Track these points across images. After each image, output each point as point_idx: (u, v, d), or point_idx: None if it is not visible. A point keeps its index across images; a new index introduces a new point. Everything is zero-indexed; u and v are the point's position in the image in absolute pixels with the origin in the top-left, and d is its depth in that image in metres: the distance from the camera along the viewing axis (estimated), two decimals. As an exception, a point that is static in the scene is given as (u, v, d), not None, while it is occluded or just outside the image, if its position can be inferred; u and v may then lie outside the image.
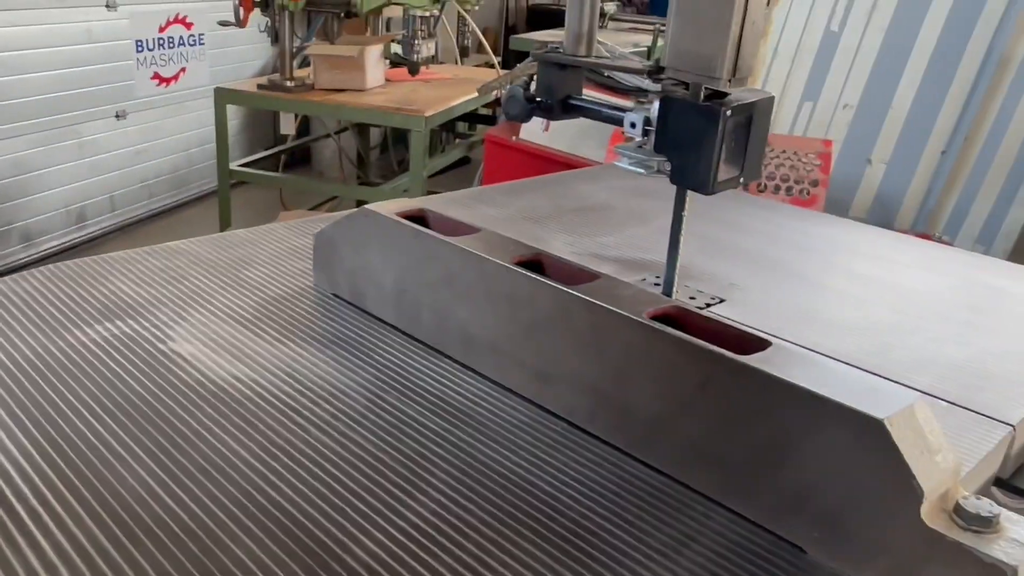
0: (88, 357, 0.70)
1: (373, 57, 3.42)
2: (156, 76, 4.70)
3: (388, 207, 0.79)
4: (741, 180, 0.88)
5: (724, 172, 0.85)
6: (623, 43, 4.00)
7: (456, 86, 3.57)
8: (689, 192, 0.87)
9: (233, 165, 3.55)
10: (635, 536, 0.54)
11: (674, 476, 0.59)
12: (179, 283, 0.86)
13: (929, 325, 0.91)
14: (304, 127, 4.75)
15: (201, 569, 0.48)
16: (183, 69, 4.82)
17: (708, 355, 0.56)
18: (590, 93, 2.41)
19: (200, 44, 4.85)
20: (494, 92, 3.25)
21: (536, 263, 0.70)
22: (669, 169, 0.86)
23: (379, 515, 0.54)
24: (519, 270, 0.67)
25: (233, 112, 4.82)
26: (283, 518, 0.53)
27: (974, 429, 0.69)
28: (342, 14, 3.42)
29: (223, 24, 3.53)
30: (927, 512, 0.48)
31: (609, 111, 0.96)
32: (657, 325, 0.58)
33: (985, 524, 0.47)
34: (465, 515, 0.55)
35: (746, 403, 0.54)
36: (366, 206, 0.80)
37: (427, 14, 3.46)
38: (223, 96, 3.32)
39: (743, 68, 0.82)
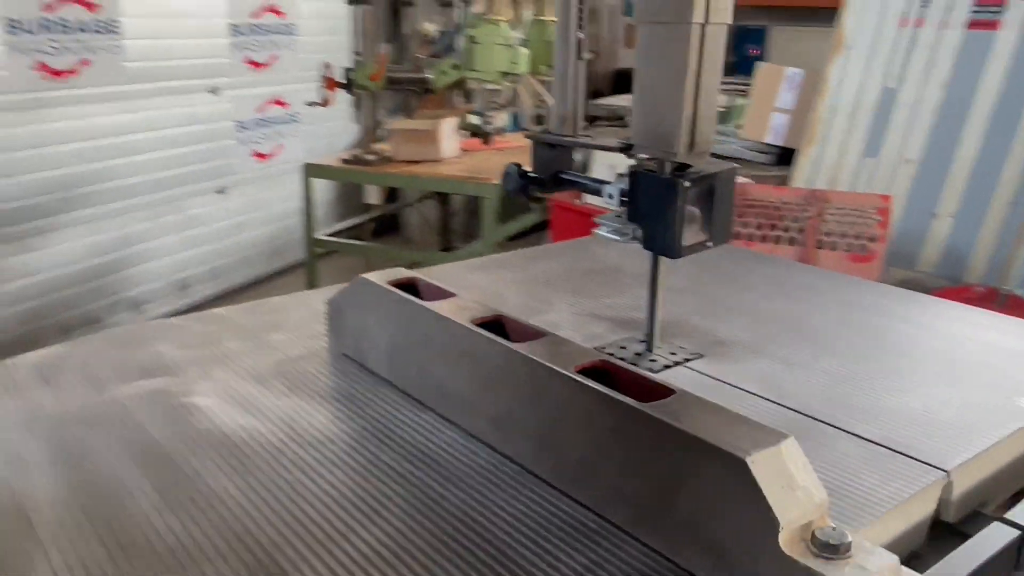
0: (119, 409, 0.83)
1: (447, 129, 3.61)
2: (255, 153, 5.04)
3: (383, 276, 0.90)
4: (709, 244, 0.95)
5: (691, 237, 0.92)
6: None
7: (527, 153, 3.71)
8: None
9: (320, 235, 3.77)
10: (550, 563, 0.61)
11: (596, 511, 0.66)
12: (212, 346, 0.99)
13: (898, 376, 0.95)
14: (393, 196, 4.99)
15: (173, 581, 0.58)
16: (280, 146, 5.15)
17: (617, 404, 0.63)
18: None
19: (296, 122, 5.18)
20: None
21: (496, 323, 0.79)
22: (642, 236, 0.94)
23: (334, 541, 0.63)
24: (476, 330, 0.76)
25: (326, 184, 5.12)
26: (251, 543, 0.63)
27: (906, 473, 0.74)
28: (419, 91, 3.63)
29: (310, 104, 3.80)
30: (785, 541, 0.54)
31: (592, 183, 1.05)
32: (580, 378, 0.67)
33: (834, 551, 0.53)
34: (407, 544, 0.63)
35: (647, 445, 0.62)
36: (363, 275, 0.91)
37: (498, 87, 3.63)
38: (310, 171, 3.56)
39: (701, 143, 0.90)
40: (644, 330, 1.00)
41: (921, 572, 0.60)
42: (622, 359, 0.97)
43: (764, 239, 2.61)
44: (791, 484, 0.55)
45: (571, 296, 1.18)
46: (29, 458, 0.74)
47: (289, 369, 0.93)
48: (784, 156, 3.00)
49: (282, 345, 1.00)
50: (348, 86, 3.47)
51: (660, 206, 0.91)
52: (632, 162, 0.96)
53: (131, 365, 0.93)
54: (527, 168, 1.09)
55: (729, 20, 0.87)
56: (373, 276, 0.91)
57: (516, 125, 5.27)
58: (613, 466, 0.65)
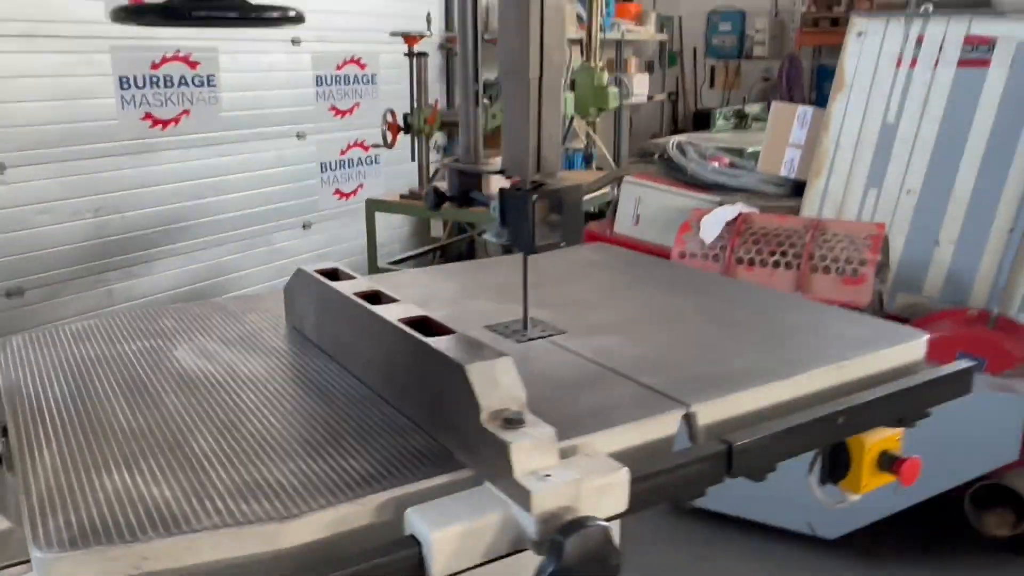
0: (120, 355, 1.17)
1: (495, 167, 3.94)
2: (337, 192, 5.51)
3: (315, 268, 1.23)
4: (563, 244, 1.22)
5: (544, 237, 1.20)
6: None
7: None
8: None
9: (383, 264, 4.16)
10: (371, 439, 0.91)
11: (399, 408, 0.96)
12: (200, 321, 1.33)
13: (718, 348, 1.20)
14: (462, 229, 5.36)
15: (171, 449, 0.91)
16: (361, 185, 5.61)
17: (411, 338, 0.93)
18: (678, 189, 2.97)
19: (376, 163, 5.63)
20: (595, 193, 3.67)
21: (374, 296, 1.10)
22: (510, 237, 1.22)
23: (233, 427, 0.95)
24: (355, 299, 1.07)
25: (400, 219, 5.54)
26: (176, 429, 0.95)
27: (655, 405, 1.00)
28: (470, 132, 3.99)
29: (375, 146, 4.22)
30: (484, 418, 0.82)
31: (484, 199, 1.34)
32: (395, 322, 0.97)
33: (512, 424, 0.81)
34: (283, 433, 0.94)
35: (424, 362, 0.91)
36: (300, 267, 1.24)
37: (543, 128, 3.94)
38: (373, 206, 3.96)
39: (547, 166, 1.19)
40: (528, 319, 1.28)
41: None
42: (501, 333, 1.26)
43: (763, 263, 2.82)
44: (496, 385, 0.84)
45: (494, 292, 1.47)
46: (51, 380, 1.09)
47: (250, 336, 1.26)
48: (798, 188, 3.20)
49: (254, 322, 1.33)
50: (407, 129, 3.87)
51: (518, 215, 1.19)
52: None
53: (138, 331, 1.28)
54: (444, 190, 1.40)
55: (563, 74, 1.16)
56: (308, 268, 1.23)
57: (573, 163, 5.58)
58: (412, 378, 0.94)
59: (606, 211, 4.44)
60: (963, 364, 1.18)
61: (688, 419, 1.00)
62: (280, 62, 4.87)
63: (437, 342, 0.91)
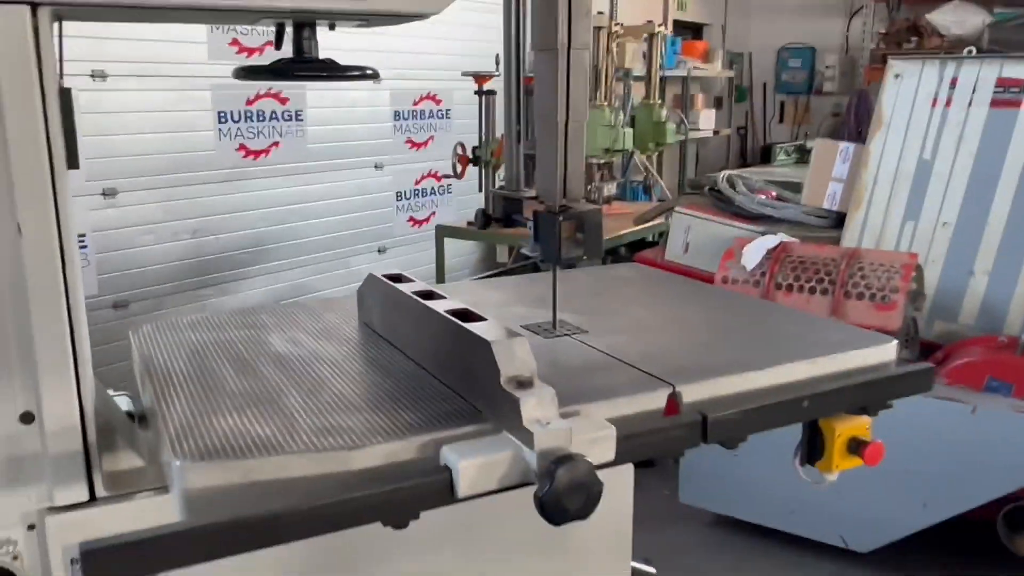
0: (227, 339, 1.47)
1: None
2: (411, 219, 5.86)
3: (382, 273, 1.51)
4: (584, 256, 1.47)
5: (569, 251, 1.45)
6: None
7: (629, 219, 4.26)
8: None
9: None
10: (427, 405, 1.18)
11: (441, 379, 1.22)
12: (290, 318, 1.62)
13: (714, 348, 1.44)
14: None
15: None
16: (433, 213, 5.94)
17: (451, 322, 1.20)
18: (725, 220, 3.35)
19: (448, 192, 5.97)
20: (648, 222, 3.91)
21: (427, 294, 1.37)
22: (542, 252, 1.48)
23: (314, 392, 1.23)
24: (411, 296, 1.35)
25: (471, 246, 5.86)
26: (273, 391, 1.23)
27: (647, 385, 1.24)
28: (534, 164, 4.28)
29: (446, 177, 4.54)
30: (503, 381, 1.08)
31: (524, 220, 1.60)
32: (441, 311, 1.23)
33: (521, 386, 1.07)
34: (354, 398, 1.22)
35: (462, 342, 1.17)
36: (371, 272, 1.52)
37: (602, 161, 4.21)
38: (441, 231, 4.27)
39: (572, 193, 1.44)
40: (558, 321, 1.54)
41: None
42: (533, 331, 1.52)
43: (801, 289, 3.02)
44: (512, 357, 1.10)
45: (533, 300, 1.73)
46: (175, 356, 1.39)
47: (329, 329, 1.55)
48: (840, 220, 3.38)
49: (332, 319, 1.62)
50: (475, 161, 4.17)
51: (547, 233, 1.45)
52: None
53: (240, 323, 1.58)
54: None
55: (586, 118, 1.42)
56: (377, 273, 1.52)
57: (635, 194, 5.82)
58: (452, 355, 1.21)
59: (656, 239, 4.68)
60: (922, 366, 1.39)
61: (674, 396, 1.24)
62: (362, 98, 5.26)
63: (472, 326, 1.17)
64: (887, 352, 1.43)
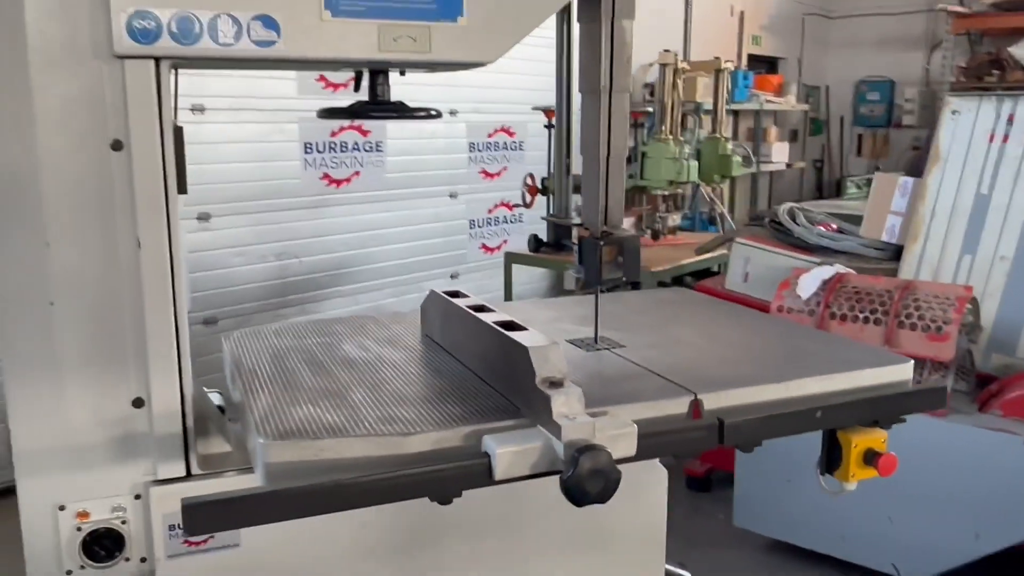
0: (306, 346, 1.67)
1: (624, 226, 4.36)
2: (483, 246, 6.07)
3: (442, 290, 1.69)
4: (623, 279, 1.63)
5: (608, 272, 1.61)
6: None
7: (692, 249, 4.38)
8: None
9: (518, 310, 4.63)
10: (476, 399, 1.35)
11: (488, 381, 1.39)
12: (361, 327, 1.82)
13: (734, 362, 1.57)
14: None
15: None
16: (505, 240, 6.15)
17: (498, 332, 1.37)
18: (784, 250, 3.54)
19: (519, 221, 6.17)
20: (709, 252, 4.03)
21: (480, 307, 1.55)
22: (585, 273, 1.64)
23: (379, 387, 1.41)
24: (466, 308, 1.53)
25: (541, 273, 6.04)
26: (343, 388, 1.42)
27: (672, 393, 1.39)
28: (600, 195, 4.44)
29: (517, 206, 4.73)
30: (539, 382, 1.24)
31: (571, 244, 1.76)
32: (489, 321, 1.41)
33: (556, 385, 1.23)
34: (415, 395, 1.40)
35: (506, 349, 1.34)
36: (432, 289, 1.71)
37: (667, 193, 4.35)
38: (510, 258, 4.46)
39: (613, 220, 1.60)
40: (600, 337, 1.70)
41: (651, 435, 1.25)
42: (576, 344, 1.68)
43: (855, 319, 3.09)
44: (547, 360, 1.26)
45: (580, 319, 1.89)
46: (260, 357, 1.59)
47: (394, 339, 1.74)
48: (898, 253, 3.44)
49: (398, 330, 1.81)
50: (544, 191, 4.35)
51: (590, 256, 1.62)
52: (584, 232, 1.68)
53: (317, 331, 1.78)
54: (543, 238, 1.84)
55: (625, 153, 1.58)
56: (437, 290, 1.70)
57: (704, 225, 5.92)
58: (497, 360, 1.38)
59: (719, 269, 4.77)
60: (935, 383, 1.50)
61: (696, 403, 1.38)
62: (439, 130, 5.51)
63: (514, 334, 1.34)
64: (902, 372, 1.54)
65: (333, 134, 4.92)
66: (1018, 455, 2.76)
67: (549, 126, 4.35)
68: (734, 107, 7.40)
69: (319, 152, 4.89)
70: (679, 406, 1.38)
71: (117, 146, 1.30)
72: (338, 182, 5.00)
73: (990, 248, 3.13)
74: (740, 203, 8.53)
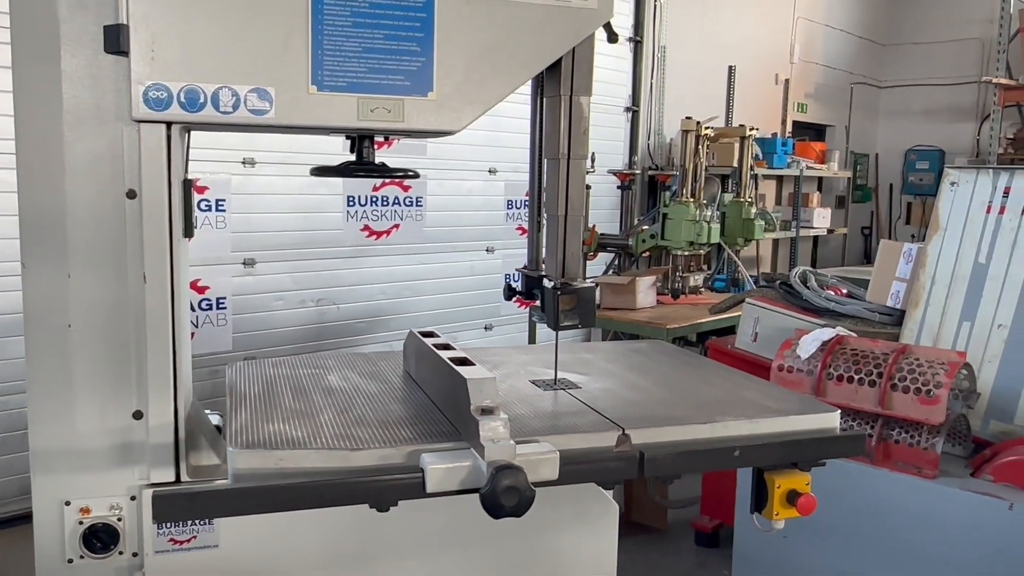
0: (295, 376, 1.88)
1: (644, 285, 4.53)
2: (518, 300, 6.23)
3: (419, 332, 1.89)
4: (579, 325, 1.80)
5: (566, 319, 1.79)
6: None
7: (706, 309, 4.51)
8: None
9: (541, 361, 4.79)
10: (432, 426, 1.53)
11: (441, 409, 1.57)
12: (351, 363, 2.02)
13: (677, 404, 1.72)
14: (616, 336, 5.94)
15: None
16: (540, 295, 6.29)
17: (449, 367, 1.55)
18: (792, 312, 3.75)
19: (555, 277, 6.31)
20: (722, 313, 4.15)
21: (445, 346, 1.73)
22: (546, 319, 1.82)
23: (349, 409, 1.60)
24: (430, 347, 1.72)
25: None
26: (328, 423, 1.62)
27: (602, 428, 1.55)
28: (623, 252, 4.62)
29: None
30: (473, 409, 1.42)
31: (540, 293, 1.94)
32: (444, 357, 1.59)
33: (484, 412, 1.40)
34: (386, 420, 1.59)
35: (455, 382, 1.52)
36: (411, 329, 1.91)
37: (686, 253, 4.50)
38: (533, 311, 4.64)
39: (570, 273, 1.78)
40: (559, 376, 1.87)
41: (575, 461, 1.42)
42: (536, 384, 1.86)
43: (850, 380, 3.19)
44: (482, 390, 1.44)
45: (551, 362, 2.06)
46: (252, 383, 1.80)
47: (377, 373, 1.94)
48: (902, 318, 3.53)
49: (383, 366, 2.01)
50: (569, 248, 4.54)
51: (549, 304, 1.80)
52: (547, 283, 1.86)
53: (309, 364, 1.99)
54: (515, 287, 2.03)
55: (582, 213, 1.77)
56: (415, 331, 1.90)
57: (730, 287, 6.02)
58: (449, 391, 1.56)
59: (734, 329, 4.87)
60: (853, 432, 1.63)
61: (624, 438, 1.54)
62: (478, 188, 5.77)
63: (461, 368, 1.53)
64: (829, 420, 1.67)
65: (375, 189, 5.21)
66: (1002, 519, 2.80)
67: (574, 186, 4.56)
68: (776, 172, 7.53)
69: (361, 205, 5.17)
70: (607, 439, 1.54)
71: (131, 195, 1.54)
72: (378, 234, 5.28)
73: (988, 316, 3.20)
74: (782, 266, 8.59)
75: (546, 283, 1.85)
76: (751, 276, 5.32)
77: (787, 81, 8.54)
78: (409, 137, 1.72)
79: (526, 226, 6.50)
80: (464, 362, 1.59)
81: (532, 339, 4.73)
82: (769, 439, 1.61)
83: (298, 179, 4.80)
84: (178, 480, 1.60)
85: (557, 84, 1.74)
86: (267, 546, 1.64)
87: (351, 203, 5.12)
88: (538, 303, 1.90)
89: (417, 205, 5.45)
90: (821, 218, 8.00)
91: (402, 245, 5.41)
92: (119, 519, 1.60)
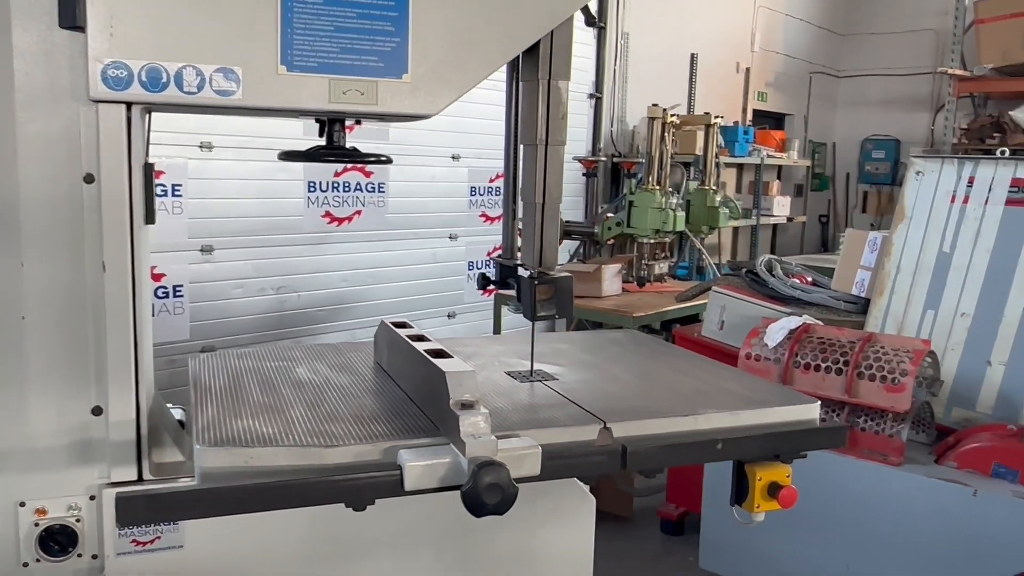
0: (262, 369, 1.81)
1: (610, 273, 4.51)
2: (486, 291, 6.18)
3: (391, 320, 1.83)
4: (556, 315, 1.76)
5: (543, 309, 1.74)
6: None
7: (673, 296, 4.50)
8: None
9: (506, 350, 4.75)
10: (405, 418, 1.48)
11: (417, 404, 1.52)
12: (320, 355, 1.96)
13: (646, 396, 1.69)
14: (580, 325, 5.92)
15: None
16: (503, 283, 6.25)
17: (427, 361, 1.50)
18: (758, 300, 3.70)
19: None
20: (688, 301, 4.14)
21: (420, 337, 1.68)
22: (523, 309, 1.77)
23: (319, 405, 1.54)
24: (403, 337, 1.66)
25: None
26: (297, 418, 1.56)
27: (584, 420, 1.51)
28: (589, 240, 4.59)
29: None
30: (452, 403, 1.37)
31: (516, 283, 1.89)
32: (419, 348, 1.54)
33: (464, 407, 1.35)
34: (357, 415, 1.53)
35: (430, 375, 1.47)
36: (383, 319, 1.85)
37: (652, 241, 4.48)
38: (499, 299, 4.60)
39: (547, 262, 1.74)
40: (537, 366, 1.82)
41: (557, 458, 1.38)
42: (512, 376, 1.81)
43: (817, 368, 3.20)
44: (461, 384, 1.39)
45: (525, 353, 2.01)
46: (217, 376, 1.73)
47: (347, 365, 1.88)
48: (867, 306, 3.55)
49: (353, 358, 1.95)
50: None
51: (526, 293, 1.75)
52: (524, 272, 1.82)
53: (276, 356, 1.92)
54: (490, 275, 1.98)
55: (560, 201, 1.73)
56: (387, 319, 1.84)
57: (693, 275, 6.03)
58: (425, 384, 1.51)
59: (700, 317, 4.87)
60: (835, 424, 1.61)
61: (606, 431, 1.51)
62: (441, 174, 5.70)
63: (438, 361, 1.48)
64: (809, 411, 1.66)
65: (337, 174, 5.10)
66: (969, 506, 2.83)
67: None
68: (737, 160, 7.56)
69: (322, 191, 5.07)
70: (589, 433, 1.50)
71: (89, 179, 1.46)
72: (339, 220, 5.18)
73: (952, 304, 3.23)
74: (742, 254, 8.65)
75: (522, 272, 1.81)
76: (714, 264, 5.33)
77: (748, 70, 8.57)
78: (382, 121, 1.65)
79: (490, 213, 6.43)
80: (440, 354, 1.54)
81: (497, 328, 4.69)
82: (750, 431, 1.58)
83: (257, 164, 4.68)
84: (140, 479, 1.53)
85: (535, 68, 1.69)
86: (234, 546, 1.58)
87: (312, 189, 5.02)
88: (513, 292, 1.85)
89: (379, 191, 5.36)
90: (781, 206, 8.06)
91: (364, 232, 5.31)
92: (78, 520, 1.52)
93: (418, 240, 5.64)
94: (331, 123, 1.69)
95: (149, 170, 1.55)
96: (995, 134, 8.40)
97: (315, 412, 1.52)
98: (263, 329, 4.87)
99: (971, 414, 3.23)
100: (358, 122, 1.70)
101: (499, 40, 1.59)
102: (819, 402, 1.67)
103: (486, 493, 1.27)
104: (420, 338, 1.68)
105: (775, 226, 9.11)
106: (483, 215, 6.04)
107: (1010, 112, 8.24)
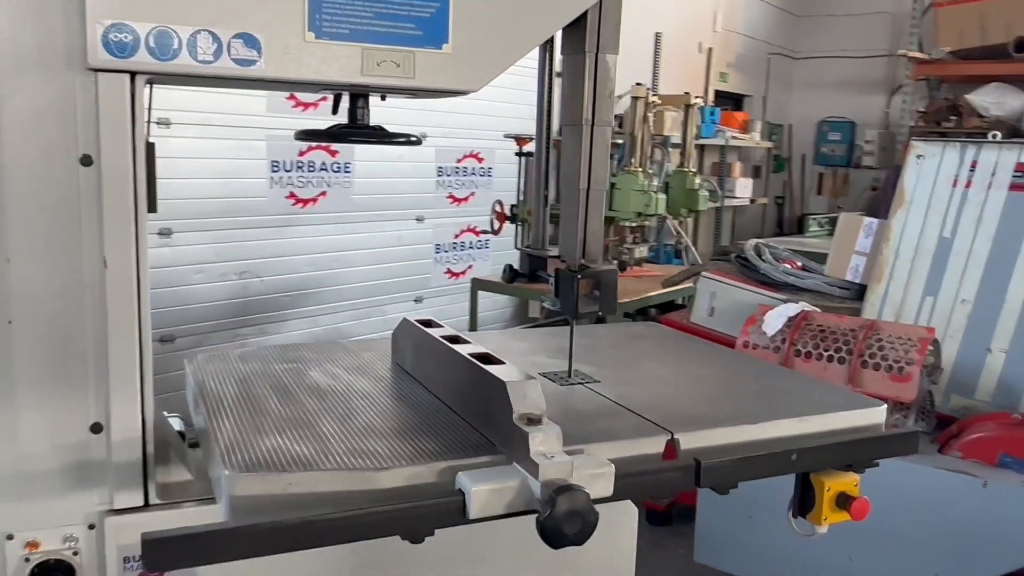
0: (273, 371, 1.62)
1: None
2: (449, 271, 6.04)
3: (415, 318, 1.66)
4: (599, 312, 1.61)
5: (584, 306, 1.59)
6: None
7: (658, 281, 4.39)
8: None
9: (482, 337, 4.59)
10: (451, 431, 1.32)
11: (462, 415, 1.36)
12: (329, 354, 1.78)
13: (700, 400, 1.56)
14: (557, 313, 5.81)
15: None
16: (471, 266, 6.12)
17: (474, 366, 1.34)
18: (750, 286, 3.53)
19: (486, 248, 6.15)
20: (675, 286, 4.03)
21: (454, 338, 1.51)
22: (561, 306, 1.62)
23: (346, 418, 1.37)
24: (437, 337, 1.49)
25: (506, 300, 6.01)
26: (310, 417, 1.38)
27: (649, 430, 1.37)
28: (569, 225, 4.45)
29: (484, 232, 4.71)
30: (516, 418, 1.21)
31: (547, 276, 1.74)
32: (463, 352, 1.38)
33: (534, 422, 1.20)
34: (383, 425, 1.36)
35: (482, 383, 1.31)
36: (405, 317, 1.67)
37: (634, 224, 4.36)
38: (476, 284, 4.43)
39: (591, 254, 1.58)
40: (573, 369, 1.68)
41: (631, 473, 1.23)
42: (549, 378, 1.66)
43: (819, 357, 3.11)
44: (524, 396, 1.23)
45: (553, 351, 1.87)
46: (225, 382, 1.54)
47: (364, 367, 1.70)
48: (861, 292, 3.48)
49: (368, 358, 1.77)
50: (513, 219, 4.35)
51: (567, 289, 1.60)
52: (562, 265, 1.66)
53: (284, 357, 1.73)
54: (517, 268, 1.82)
55: (606, 186, 1.57)
56: (410, 318, 1.67)
57: (668, 258, 5.95)
58: (472, 393, 1.35)
59: (688, 303, 4.79)
60: (910, 429, 1.50)
61: (672, 442, 1.36)
62: (407, 154, 5.48)
63: (491, 368, 1.31)
64: (876, 415, 1.54)
65: (301, 153, 4.86)
66: (976, 497, 2.78)
67: (520, 154, 4.35)
68: (701, 142, 7.48)
69: (286, 171, 4.83)
70: (655, 445, 1.36)
71: (86, 161, 1.26)
72: (304, 201, 4.94)
73: (952, 291, 3.18)
74: (704, 236, 8.61)
75: (558, 265, 1.65)
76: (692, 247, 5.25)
77: (710, 50, 8.49)
78: (418, 96, 1.47)
79: (457, 194, 6.23)
80: (488, 359, 1.38)
81: (472, 315, 4.53)
82: (820, 438, 1.46)
83: (218, 142, 4.41)
84: (147, 504, 1.34)
85: (580, 40, 1.53)
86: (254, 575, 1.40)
87: (276, 168, 4.77)
88: (550, 287, 1.69)
89: (345, 171, 5.13)
90: (744, 188, 8.03)
91: (329, 214, 5.09)
92: (75, 553, 1.33)
93: (384, 223, 5.43)
94: (354, 99, 1.51)
95: (151, 150, 1.34)
96: (952, 117, 8.47)
97: (348, 425, 1.35)
98: (225, 316, 4.63)
99: (970, 402, 3.18)
100: (383, 97, 1.52)
101: (548, 7, 1.43)
102: (885, 405, 1.56)
103: (566, 522, 1.12)
104: (456, 339, 1.51)
105: (734, 208, 9.09)
106: (450, 196, 5.85)
107: (966, 95, 8.32)
